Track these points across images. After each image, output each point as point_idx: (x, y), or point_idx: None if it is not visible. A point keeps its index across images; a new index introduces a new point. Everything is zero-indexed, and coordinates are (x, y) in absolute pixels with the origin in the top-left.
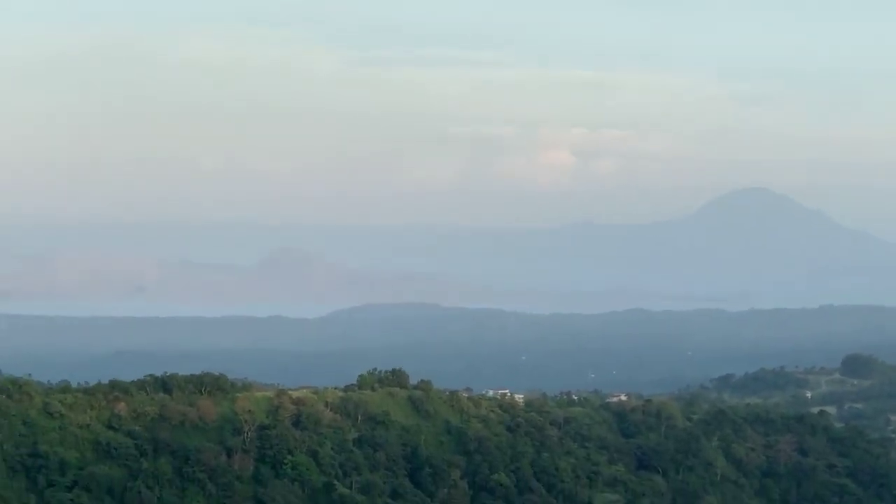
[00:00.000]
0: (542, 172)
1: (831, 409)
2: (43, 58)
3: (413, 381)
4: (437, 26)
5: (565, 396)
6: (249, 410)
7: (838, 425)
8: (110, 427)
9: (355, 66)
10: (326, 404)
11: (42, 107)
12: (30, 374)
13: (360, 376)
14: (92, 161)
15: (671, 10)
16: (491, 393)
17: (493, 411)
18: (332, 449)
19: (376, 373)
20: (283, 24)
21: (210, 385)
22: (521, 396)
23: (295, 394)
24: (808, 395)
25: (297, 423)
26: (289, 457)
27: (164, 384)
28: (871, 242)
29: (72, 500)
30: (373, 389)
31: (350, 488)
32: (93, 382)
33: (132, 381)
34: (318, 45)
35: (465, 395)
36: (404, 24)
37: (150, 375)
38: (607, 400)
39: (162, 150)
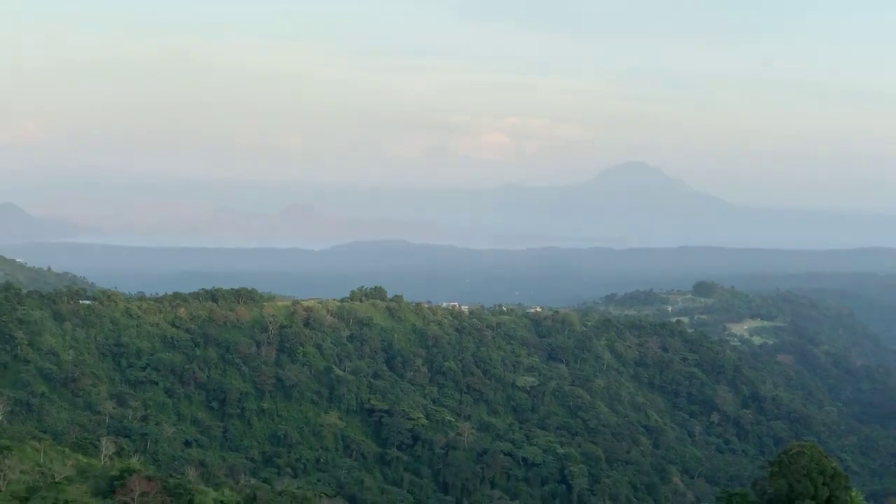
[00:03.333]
0: (485, 149)
1: (685, 319)
2: (125, 57)
3: (389, 295)
4: (407, 42)
5: (497, 308)
6: (273, 315)
7: (690, 330)
8: (173, 325)
9: (348, 71)
10: (328, 311)
11: (127, 94)
12: (116, 287)
13: (352, 292)
14: (161, 133)
15: (577, 31)
16: (444, 304)
17: (445, 318)
18: (331, 343)
19: (363, 289)
20: (293, 41)
21: (245, 297)
22: (466, 307)
23: (305, 303)
24: (669, 309)
25: (306, 324)
26: (300, 348)
27: (212, 296)
28: (716, 202)
29: (145, 376)
30: (360, 301)
31: (343, 371)
32: (161, 294)
33: (189, 293)
34: (321, 56)
35: (426, 305)
36: (383, 40)
37: (203, 289)
38: (527, 311)
39: (210, 130)
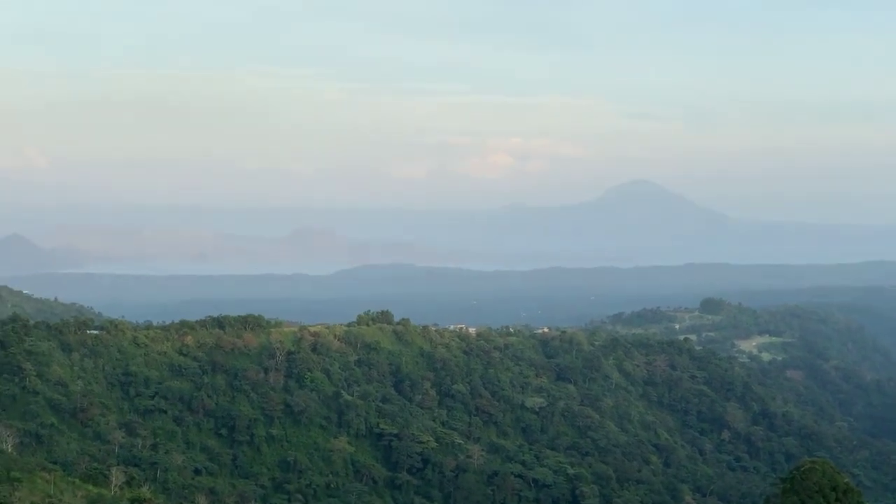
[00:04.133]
0: (489, 170)
1: (693, 337)
2: (130, 88)
3: (396, 319)
4: (411, 66)
5: (505, 329)
6: (280, 341)
7: (698, 348)
8: (181, 353)
9: (353, 95)
10: (335, 336)
11: (133, 125)
12: (123, 316)
13: (359, 316)
14: (167, 162)
15: (577, 52)
16: (452, 327)
17: (453, 340)
18: (339, 368)
19: (370, 314)
20: (298, 65)
21: (252, 323)
22: (474, 329)
23: (312, 329)
24: (677, 326)
25: (314, 349)
26: (308, 373)
27: (219, 323)
28: (721, 218)
29: (154, 405)
30: (367, 325)
31: (352, 395)
32: (168, 322)
33: (196, 321)
34: (328, 80)
35: (434, 328)
36: (387, 63)
37: (209, 316)
38: (534, 331)
39: (216, 154)
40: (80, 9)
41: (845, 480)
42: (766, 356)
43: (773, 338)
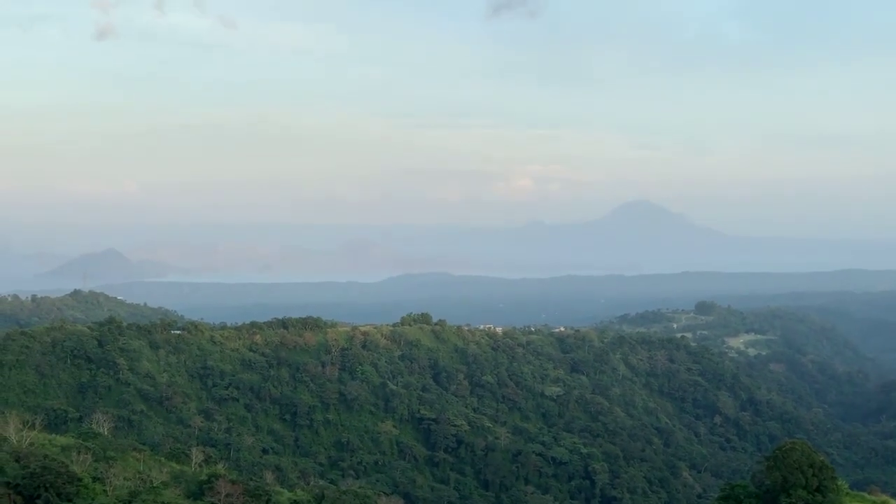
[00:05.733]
0: (513, 192)
1: (688, 335)
2: (209, 122)
3: (434, 320)
4: (446, 104)
5: (527, 328)
6: (335, 339)
7: (693, 344)
8: (251, 350)
9: (397, 128)
10: (382, 335)
11: (211, 153)
12: (201, 319)
13: (402, 318)
14: (238, 185)
15: (588, 89)
16: (481, 327)
17: (482, 338)
18: (385, 362)
19: (411, 316)
20: (349, 104)
21: (311, 324)
22: (500, 329)
23: (363, 329)
24: (674, 326)
25: (364, 346)
26: (359, 367)
27: (283, 324)
28: (714, 234)
29: (228, 394)
30: (410, 325)
31: (397, 385)
32: (240, 323)
33: (264, 322)
34: (375, 116)
35: (466, 328)
36: (426, 102)
37: (275, 318)
38: (552, 330)
39: (281, 178)
40: (167, 54)
41: (821, 459)
42: (752, 351)
43: (758, 336)
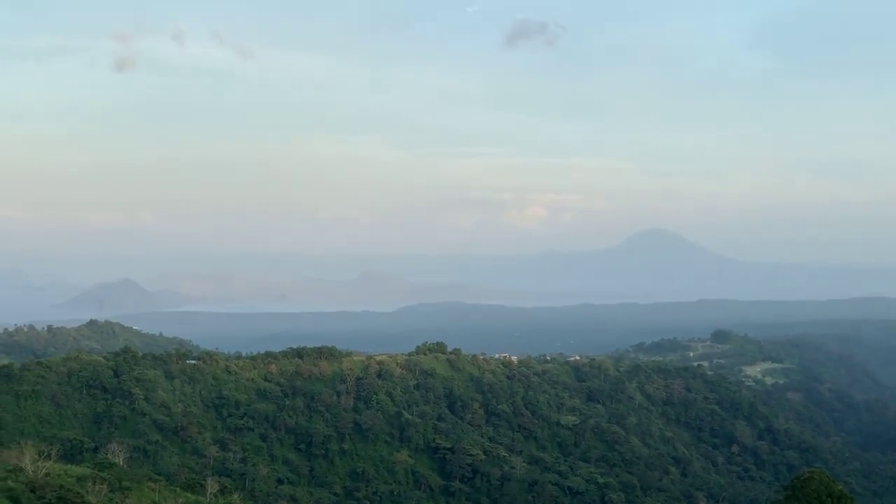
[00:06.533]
0: (527, 220)
1: (705, 363)
2: (220, 153)
3: (449, 349)
4: (460, 132)
5: (542, 357)
6: (350, 369)
7: (710, 373)
8: (266, 379)
9: (411, 157)
10: (397, 364)
11: (223, 185)
12: (217, 348)
13: (417, 347)
14: (253, 215)
15: (602, 119)
16: (497, 355)
17: (498, 367)
18: (400, 391)
19: (426, 345)
20: (365, 133)
21: (326, 354)
22: (515, 357)
23: (378, 358)
24: (691, 354)
25: (379, 375)
26: (374, 396)
27: (298, 353)
28: (729, 261)
29: (243, 424)
30: (425, 354)
31: (412, 415)
32: (255, 353)
33: (279, 352)
34: (390, 145)
35: (481, 357)
36: (440, 130)
37: (290, 348)
38: (568, 359)
39: (295, 208)
40: (186, 85)
41: (839, 488)
42: (769, 380)
43: (775, 364)
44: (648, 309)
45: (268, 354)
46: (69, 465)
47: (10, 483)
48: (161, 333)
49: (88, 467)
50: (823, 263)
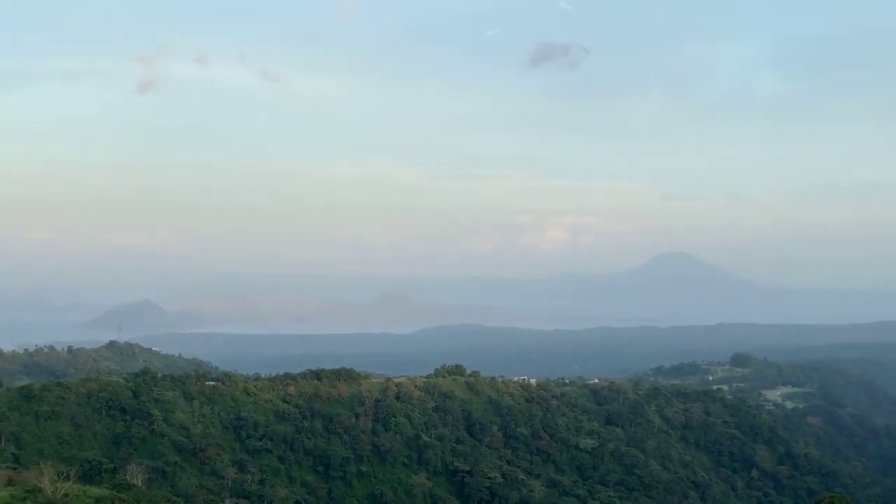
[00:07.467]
0: (547, 243)
1: (724, 387)
2: (238, 174)
3: (468, 372)
4: (481, 154)
5: (561, 380)
6: (369, 391)
7: (729, 397)
8: (284, 401)
9: (432, 180)
10: (416, 386)
11: (245, 206)
12: (236, 370)
13: (436, 369)
14: (273, 236)
15: (622, 141)
16: (515, 378)
17: (516, 390)
18: (419, 413)
19: (445, 367)
20: (385, 154)
21: (345, 375)
22: (534, 380)
23: (396, 380)
24: (710, 378)
25: (397, 397)
26: (393, 418)
27: (317, 375)
28: (749, 285)
29: (262, 445)
30: (443, 377)
31: (430, 437)
32: (274, 375)
33: (298, 374)
34: (411, 167)
35: (500, 379)
36: (460, 153)
37: (309, 370)
38: (586, 382)
39: (315, 230)
40: (208, 106)
41: None
42: (789, 404)
43: (795, 388)
44: (667, 332)
45: (286, 376)
46: (88, 486)
47: (29, 503)
48: (180, 354)
49: (107, 488)
50: (844, 287)
